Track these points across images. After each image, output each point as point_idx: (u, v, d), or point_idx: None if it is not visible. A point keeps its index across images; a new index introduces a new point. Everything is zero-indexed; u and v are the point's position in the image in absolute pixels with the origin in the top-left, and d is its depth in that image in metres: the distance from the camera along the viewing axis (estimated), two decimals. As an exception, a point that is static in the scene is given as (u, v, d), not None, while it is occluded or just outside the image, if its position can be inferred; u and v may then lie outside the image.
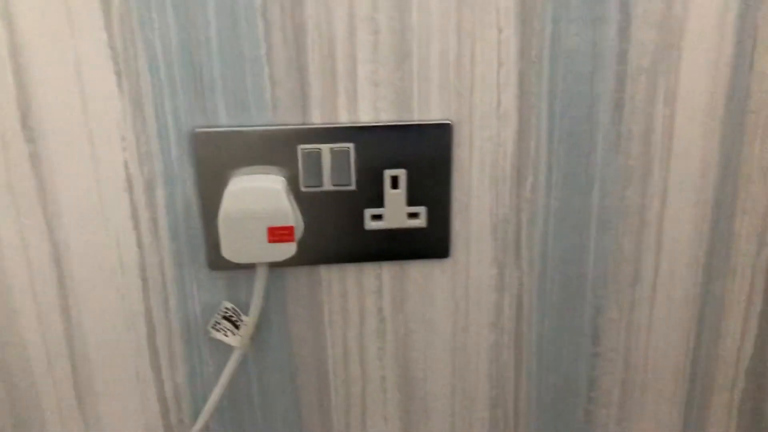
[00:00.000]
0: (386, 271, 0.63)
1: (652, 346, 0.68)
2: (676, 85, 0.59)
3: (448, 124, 0.58)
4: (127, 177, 0.57)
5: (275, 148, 0.57)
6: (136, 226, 0.59)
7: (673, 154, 0.61)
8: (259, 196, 0.55)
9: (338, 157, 0.58)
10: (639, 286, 0.66)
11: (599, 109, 0.59)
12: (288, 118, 0.57)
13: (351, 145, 0.58)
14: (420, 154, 0.59)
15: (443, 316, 0.65)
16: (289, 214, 0.56)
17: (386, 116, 0.58)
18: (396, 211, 0.60)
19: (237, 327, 0.60)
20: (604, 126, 0.60)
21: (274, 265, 0.60)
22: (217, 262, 0.60)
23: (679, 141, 0.61)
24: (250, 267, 0.59)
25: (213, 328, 0.60)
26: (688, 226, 0.64)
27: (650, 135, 0.61)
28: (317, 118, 0.58)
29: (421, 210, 0.61)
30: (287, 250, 0.57)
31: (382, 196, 0.60)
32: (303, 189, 0.59)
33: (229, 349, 0.62)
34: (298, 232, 0.58)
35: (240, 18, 0.54)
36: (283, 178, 0.58)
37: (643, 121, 0.60)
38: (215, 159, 0.57)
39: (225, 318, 0.61)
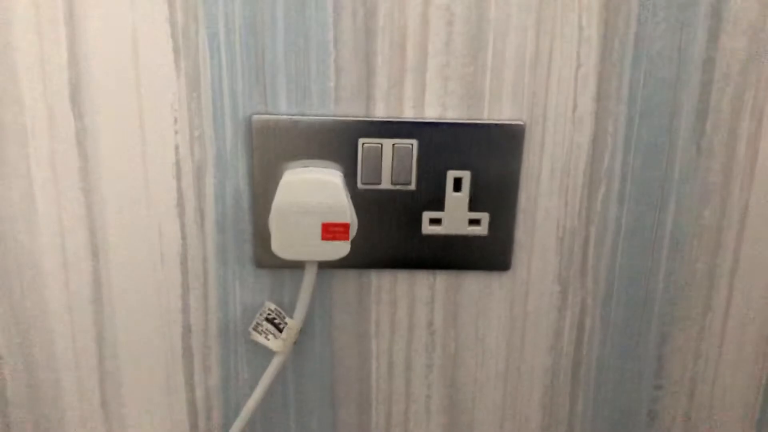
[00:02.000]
0: (440, 281, 0.59)
1: (720, 382, 0.63)
2: (765, 99, 0.55)
3: (521, 125, 0.54)
4: (176, 162, 0.54)
5: (334, 141, 0.54)
6: (181, 215, 0.56)
7: (757, 173, 0.57)
8: (315, 189, 0.52)
9: (400, 154, 0.54)
10: (710, 314, 0.61)
11: (680, 119, 0.56)
12: (350, 110, 0.54)
13: (414, 142, 0.54)
14: (487, 156, 0.55)
15: (498, 334, 0.61)
16: (346, 210, 0.52)
17: (454, 113, 0.55)
18: (456, 216, 0.56)
19: (280, 330, 0.56)
20: (684, 138, 0.56)
21: (322, 266, 0.56)
22: (263, 258, 0.57)
23: (764, 159, 0.57)
24: (297, 267, 0.56)
25: (254, 329, 0.56)
26: (766, 252, 0.59)
27: (733, 151, 0.57)
28: (381, 112, 0.54)
29: (484, 216, 0.57)
30: (341, 249, 0.53)
31: (442, 200, 0.56)
32: (360, 186, 0.55)
33: (268, 355, 0.57)
34: (352, 232, 0.55)
35: (309, 0, 0.51)
36: (341, 173, 0.54)
37: (727, 136, 0.56)
38: (271, 148, 0.54)
39: (267, 320, 0.56)
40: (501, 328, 0.60)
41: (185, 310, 0.58)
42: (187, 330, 0.59)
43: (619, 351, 0.62)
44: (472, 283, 0.59)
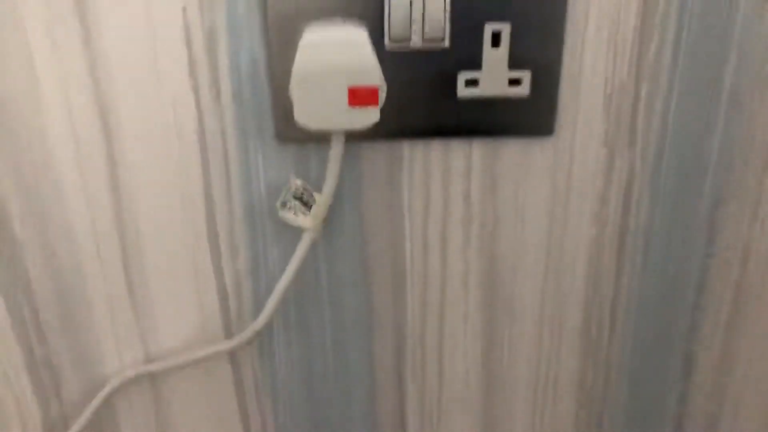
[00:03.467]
0: (477, 149, 0.55)
1: (776, 248, 0.59)
2: None
3: (567, -34, 0.48)
4: (185, 26, 0.49)
5: (358, -6, 0.49)
6: (195, 87, 0.51)
7: (830, 14, 0.51)
8: (340, 50, 0.47)
9: (431, 5, 0.49)
10: (767, 177, 0.57)
11: (747, -46, 0.49)
12: (374, -43, 0.48)
13: (447, -8, 0.49)
14: (528, 5, 0.49)
15: (539, 205, 0.57)
16: (374, 71, 0.47)
17: (491, -43, 0.49)
18: (495, 76, 0.51)
19: (308, 207, 0.53)
20: (751, -23, 0.50)
21: (349, 138, 0.52)
22: (285, 132, 0.53)
23: (839, -1, 0.51)
24: (323, 140, 0.51)
25: (281, 207, 0.53)
26: (835, 106, 0.54)
27: (805, -10, 0.50)
28: (408, -42, 0.48)
29: (525, 75, 0.51)
30: (370, 116, 0.48)
31: (479, 58, 0.51)
32: (387, 46, 0.50)
33: (297, 233, 0.55)
34: (381, 97, 0.50)
35: None
36: (366, 30, 0.49)
37: (799, -28, 0.50)
38: (287, 6, 0.49)
39: (294, 196, 0.53)
40: (543, 197, 0.57)
41: (207, 189, 0.55)
42: (210, 211, 0.56)
43: (669, 218, 0.58)
44: (512, 150, 0.55)
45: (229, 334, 0.60)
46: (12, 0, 0.48)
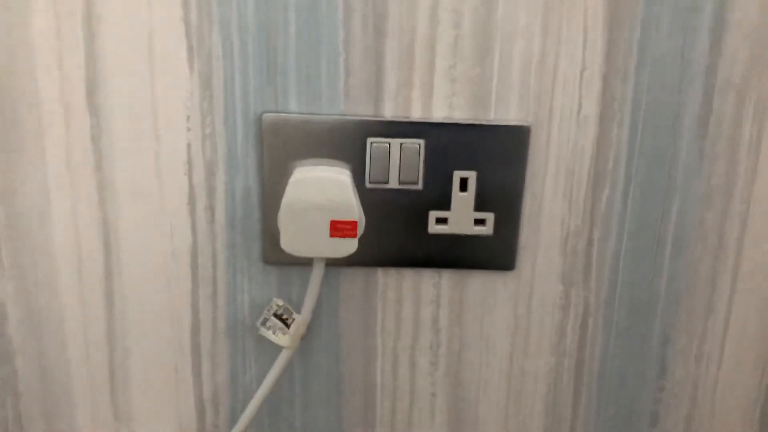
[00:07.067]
0: (445, 280, 0.60)
1: (722, 382, 0.64)
2: (767, 102, 0.56)
3: (527, 127, 0.55)
4: (188, 159, 0.55)
5: (343, 140, 0.55)
6: (192, 212, 0.57)
7: (758, 175, 0.58)
8: (324, 187, 0.53)
9: (407, 153, 0.55)
10: (712, 315, 0.62)
11: (684, 122, 0.56)
12: (359, 110, 0.55)
13: (421, 142, 0.55)
14: (493, 156, 0.56)
15: (502, 334, 0.61)
16: (354, 208, 0.53)
17: (461, 114, 0.56)
18: (462, 216, 0.57)
19: (287, 326, 0.57)
20: (687, 141, 0.57)
21: (329, 264, 0.57)
22: (271, 255, 0.58)
23: (766, 161, 0.58)
24: (305, 264, 0.57)
25: (262, 325, 0.57)
26: (768, 256, 0.60)
27: (735, 153, 0.57)
28: (389, 112, 0.55)
29: (489, 216, 0.57)
30: (349, 246, 0.54)
31: (448, 199, 0.57)
32: (368, 185, 0.56)
33: (275, 350, 0.58)
34: (360, 230, 0.55)
35: (321, 1, 0.52)
36: (349, 171, 0.55)
37: (729, 139, 0.57)
38: (281, 147, 0.55)
39: (275, 315, 0.57)
40: (505, 327, 0.61)
41: (194, 305, 0.59)
42: (195, 325, 0.60)
43: (622, 351, 0.62)
44: (477, 282, 0.60)
45: (203, 444, 0.63)
46: (34, 126, 0.54)
